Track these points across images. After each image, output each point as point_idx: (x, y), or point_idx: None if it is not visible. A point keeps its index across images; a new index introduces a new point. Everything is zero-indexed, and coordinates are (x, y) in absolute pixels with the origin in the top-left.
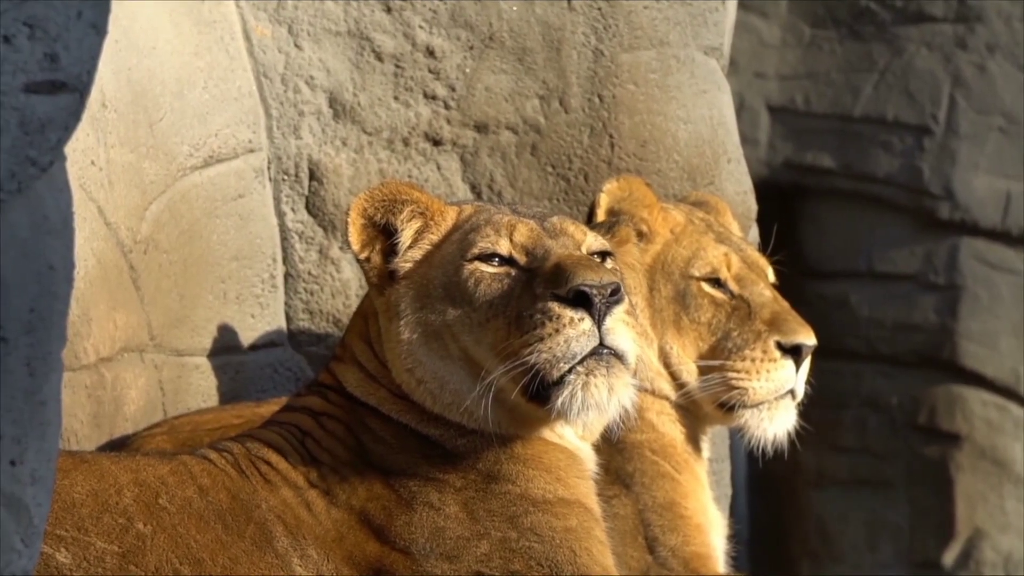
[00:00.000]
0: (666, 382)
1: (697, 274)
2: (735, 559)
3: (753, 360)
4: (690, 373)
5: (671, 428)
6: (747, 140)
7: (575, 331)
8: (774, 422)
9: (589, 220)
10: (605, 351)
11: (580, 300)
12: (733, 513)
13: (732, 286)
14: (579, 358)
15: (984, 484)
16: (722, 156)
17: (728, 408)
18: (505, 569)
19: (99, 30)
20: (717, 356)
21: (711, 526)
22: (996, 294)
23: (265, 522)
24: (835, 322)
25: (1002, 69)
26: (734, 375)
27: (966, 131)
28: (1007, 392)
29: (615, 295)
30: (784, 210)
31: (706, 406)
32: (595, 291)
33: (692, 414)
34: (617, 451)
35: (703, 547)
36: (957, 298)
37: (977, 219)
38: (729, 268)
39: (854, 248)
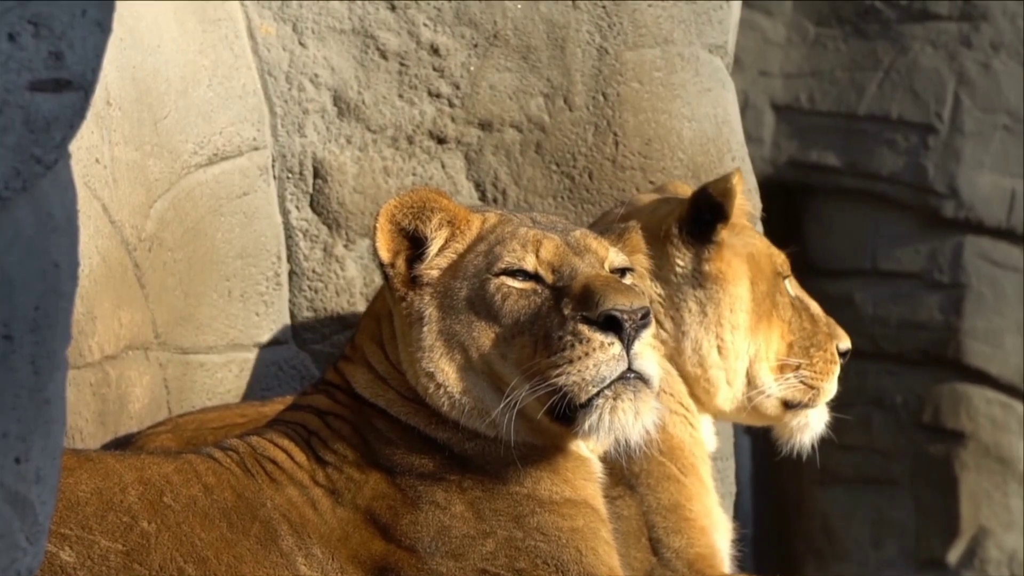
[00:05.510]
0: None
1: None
2: (740, 559)
3: (825, 362)
4: (767, 374)
5: (680, 430)
6: (751, 138)
7: (605, 355)
8: (819, 421)
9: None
10: (632, 375)
11: (610, 324)
12: (737, 511)
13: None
14: (608, 382)
15: (989, 482)
16: (726, 154)
17: (793, 407)
18: (510, 567)
19: (104, 28)
20: (797, 356)
21: (715, 528)
22: (1000, 292)
23: (270, 521)
24: (840, 320)
25: (1007, 67)
26: (811, 375)
27: (971, 129)
28: (1012, 390)
29: (644, 319)
30: (789, 208)
31: (771, 408)
32: (626, 316)
33: (745, 414)
34: None
35: (707, 549)
36: (962, 296)
37: (982, 217)
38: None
39: (859, 246)
